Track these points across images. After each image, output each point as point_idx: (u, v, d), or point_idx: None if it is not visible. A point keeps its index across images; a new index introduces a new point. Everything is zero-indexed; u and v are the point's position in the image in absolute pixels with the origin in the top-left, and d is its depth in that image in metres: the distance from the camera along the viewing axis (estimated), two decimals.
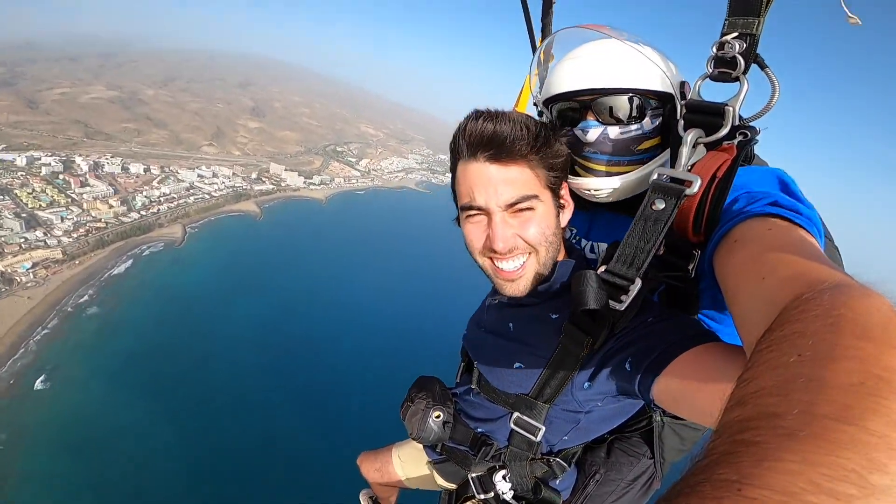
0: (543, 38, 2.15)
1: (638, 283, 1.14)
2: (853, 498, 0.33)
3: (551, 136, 1.28)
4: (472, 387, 1.59)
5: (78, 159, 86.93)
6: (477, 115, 1.26)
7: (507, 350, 1.45)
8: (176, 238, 74.26)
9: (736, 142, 1.21)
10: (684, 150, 1.24)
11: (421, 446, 1.85)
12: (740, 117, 1.25)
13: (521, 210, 1.26)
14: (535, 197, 1.26)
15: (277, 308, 62.57)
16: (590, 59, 1.40)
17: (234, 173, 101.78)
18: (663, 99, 1.40)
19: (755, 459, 0.37)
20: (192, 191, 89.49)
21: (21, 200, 70.66)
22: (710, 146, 1.25)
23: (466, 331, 1.73)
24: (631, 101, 1.38)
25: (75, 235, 67.25)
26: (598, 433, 1.50)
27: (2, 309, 52.20)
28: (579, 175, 1.48)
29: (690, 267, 1.21)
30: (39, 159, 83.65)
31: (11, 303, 53.55)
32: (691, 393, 0.96)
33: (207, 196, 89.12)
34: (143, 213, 77.25)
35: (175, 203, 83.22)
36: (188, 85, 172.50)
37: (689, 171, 1.19)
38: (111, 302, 57.59)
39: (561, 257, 1.40)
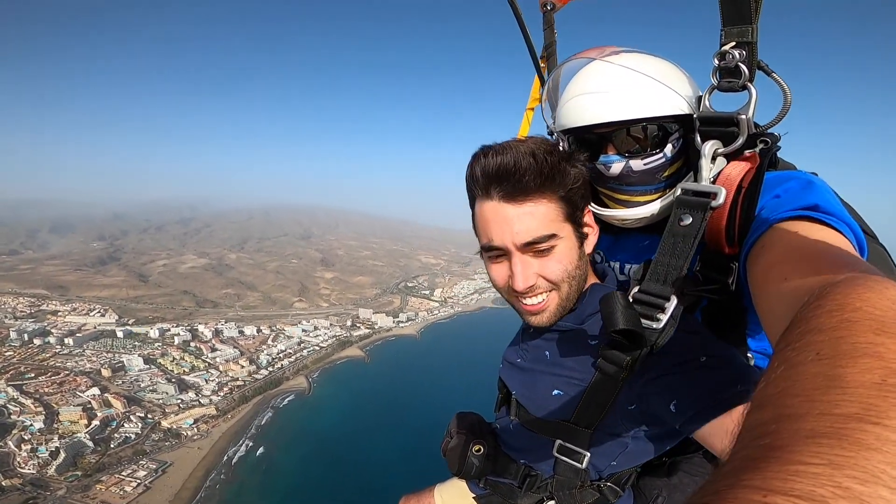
0: (547, 62, 2.16)
1: (673, 300, 1.12)
2: (884, 501, 0.31)
3: (563, 161, 1.23)
4: (512, 418, 1.57)
5: (200, 327, 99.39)
6: (484, 152, 1.23)
7: (544, 378, 1.43)
8: (303, 388, 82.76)
9: (758, 150, 1.20)
10: (704, 163, 1.21)
11: (464, 483, 1.85)
12: (756, 124, 1.22)
13: (541, 249, 1.24)
14: (554, 236, 1.23)
15: (412, 439, 67.56)
16: (605, 91, 1.31)
17: (331, 324, 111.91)
18: (683, 122, 1.31)
19: (779, 464, 0.35)
20: (302, 344, 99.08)
21: (166, 368, 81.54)
22: (730, 157, 1.22)
23: (502, 362, 1.71)
24: (648, 130, 1.30)
25: (221, 394, 76.37)
26: (650, 456, 1.42)
27: (180, 458, 61.02)
28: (606, 206, 1.45)
29: (730, 281, 1.18)
30: (168, 330, 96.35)
31: (185, 453, 62.32)
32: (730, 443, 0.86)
33: (317, 347, 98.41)
34: (269, 369, 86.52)
35: (293, 357, 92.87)
36: (260, 244, 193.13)
37: (713, 182, 1.17)
38: (266, 446, 65.11)
39: (591, 282, 1.40)
